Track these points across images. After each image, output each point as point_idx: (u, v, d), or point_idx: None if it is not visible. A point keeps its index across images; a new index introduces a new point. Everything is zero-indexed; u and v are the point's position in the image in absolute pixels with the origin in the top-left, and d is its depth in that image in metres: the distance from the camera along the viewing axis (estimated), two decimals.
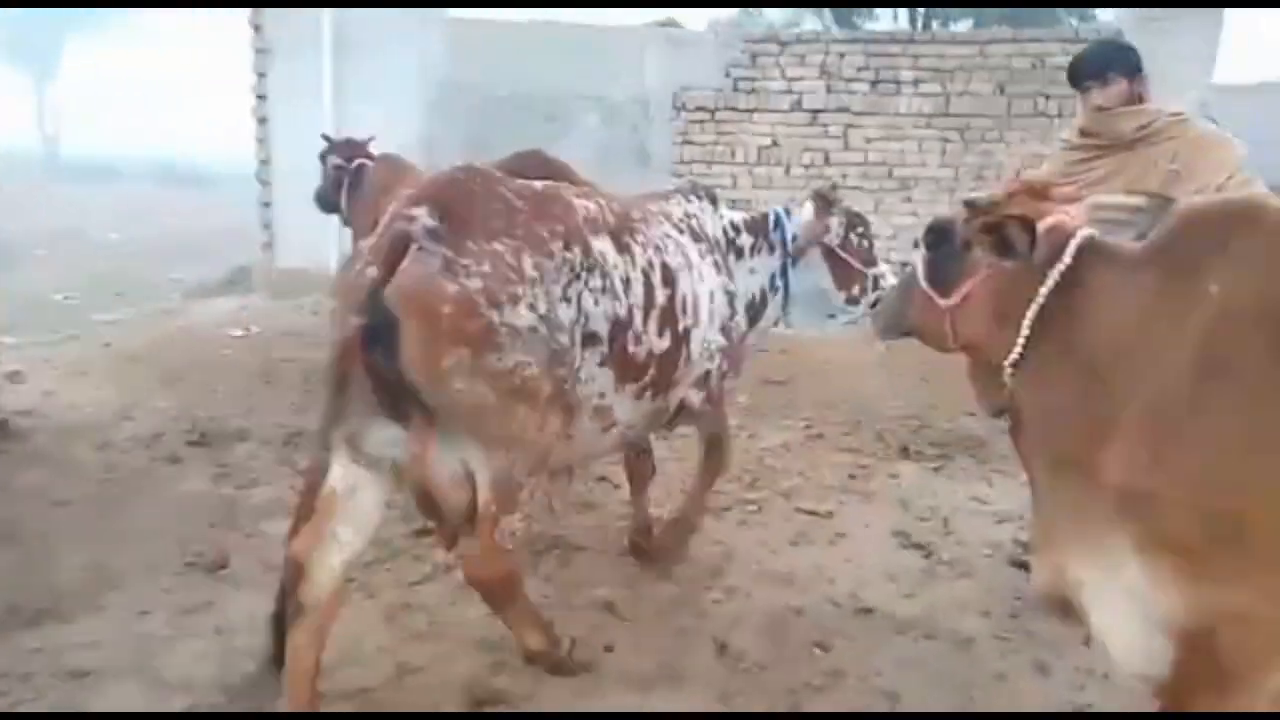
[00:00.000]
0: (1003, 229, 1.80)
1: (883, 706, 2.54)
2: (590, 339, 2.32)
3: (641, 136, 7.50)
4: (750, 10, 12.06)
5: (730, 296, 2.93)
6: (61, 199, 19.83)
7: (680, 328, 2.63)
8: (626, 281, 2.43)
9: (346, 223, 5.70)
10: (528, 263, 2.14)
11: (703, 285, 2.76)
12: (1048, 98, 6.63)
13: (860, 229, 3.25)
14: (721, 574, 3.26)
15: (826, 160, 7.07)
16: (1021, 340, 1.77)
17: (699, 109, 7.44)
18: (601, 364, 2.39)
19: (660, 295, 2.54)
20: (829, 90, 7.12)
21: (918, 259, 2.07)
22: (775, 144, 7.20)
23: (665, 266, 2.59)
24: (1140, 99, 2.88)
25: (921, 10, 12.21)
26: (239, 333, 6.88)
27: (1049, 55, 6.61)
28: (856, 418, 5.19)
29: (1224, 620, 1.50)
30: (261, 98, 7.89)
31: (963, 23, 11.45)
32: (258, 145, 8.00)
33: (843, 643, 2.83)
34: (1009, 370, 1.80)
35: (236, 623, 2.76)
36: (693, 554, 3.37)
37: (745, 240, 3.10)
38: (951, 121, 6.86)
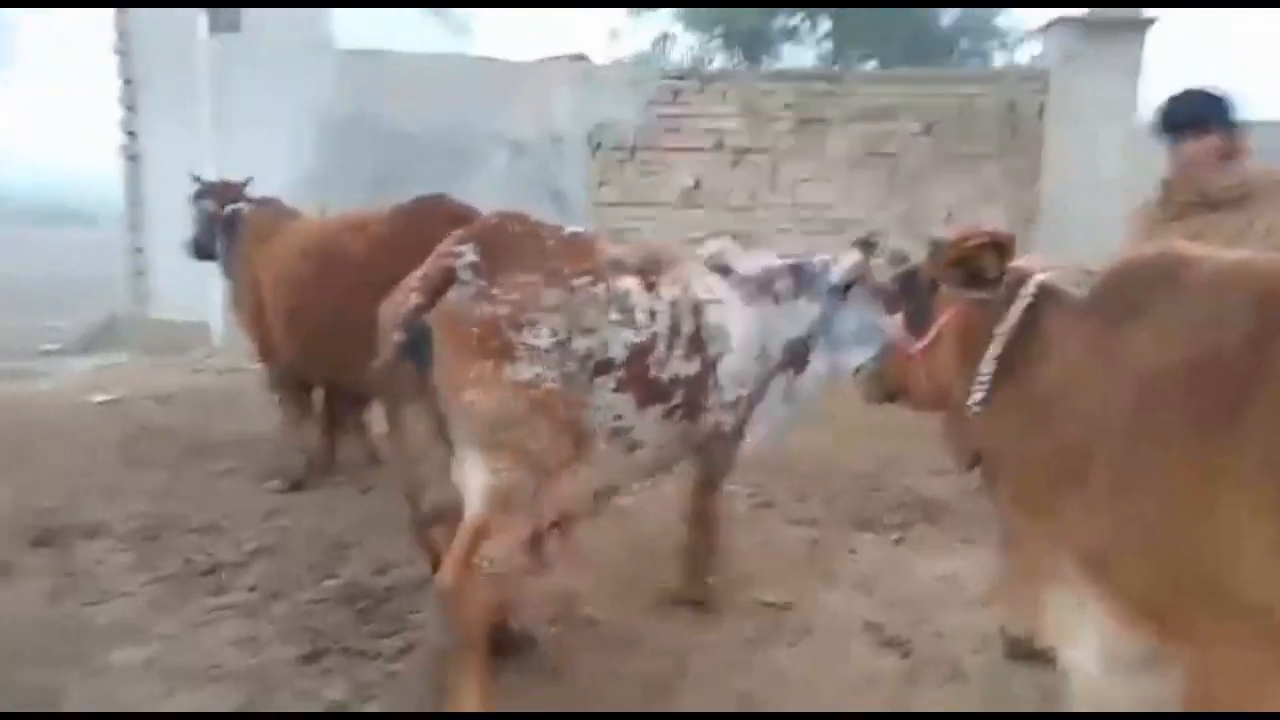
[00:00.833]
0: (976, 256, 1.83)
1: None
2: (606, 365, 2.54)
3: (554, 176, 7.10)
4: (665, 35, 11.89)
5: (760, 331, 3.05)
6: None
7: (709, 354, 2.83)
8: (650, 313, 2.65)
9: (226, 274, 5.08)
10: (551, 295, 2.45)
11: (730, 318, 2.94)
12: (976, 138, 6.53)
13: (907, 265, 3.22)
14: (670, 693, 2.80)
15: (754, 203, 6.81)
16: (984, 379, 1.81)
17: (616, 147, 7.10)
18: (617, 389, 2.57)
19: (687, 326, 2.76)
20: (753, 129, 6.88)
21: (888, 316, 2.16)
22: (698, 185, 6.90)
23: (694, 300, 2.82)
24: (1236, 153, 2.69)
25: (831, 48, 12.30)
26: (101, 398, 6.11)
27: (978, 96, 6.53)
28: (805, 482, 4.83)
29: (1202, 670, 1.52)
30: (131, 134, 7.16)
31: (869, 63, 11.58)
32: (126, 185, 7.26)
33: None
34: (973, 410, 1.83)
35: None
36: (637, 669, 2.91)
37: (783, 285, 3.17)
38: (880, 162, 6.71)
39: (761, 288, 3.10)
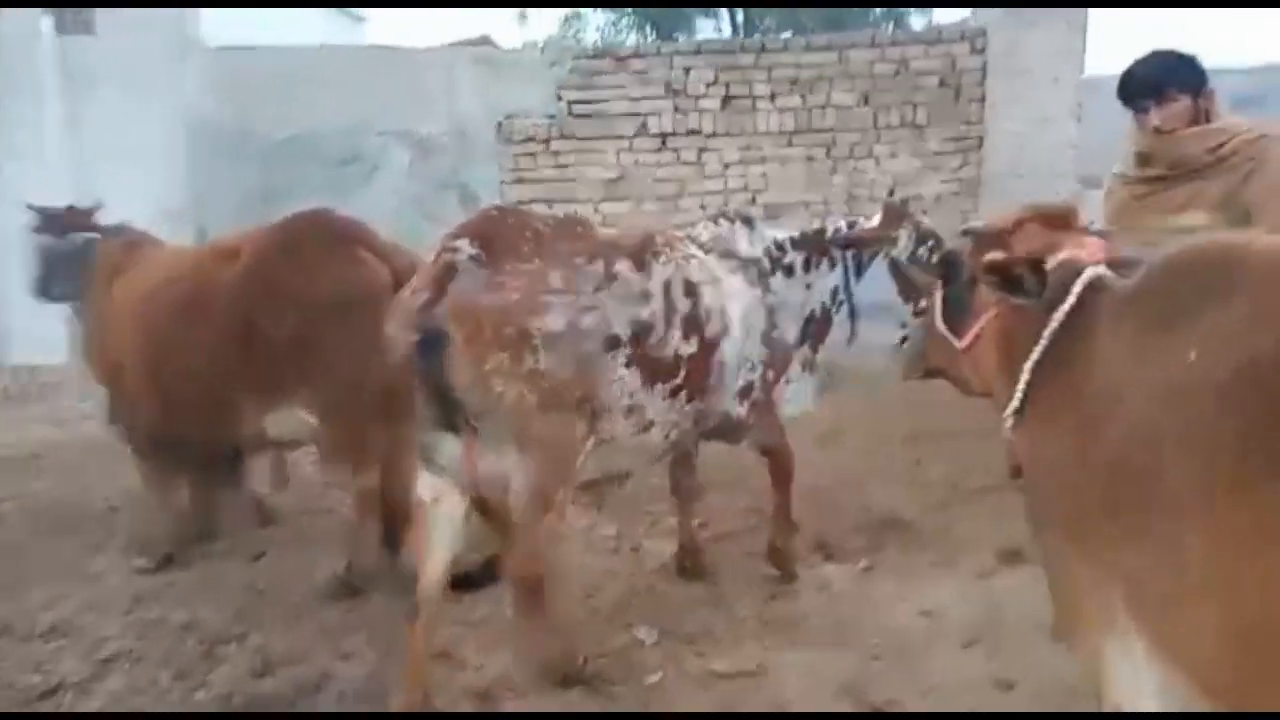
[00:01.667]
0: (1009, 271, 1.70)
1: None
2: (614, 342, 2.66)
3: (462, 175, 6.54)
4: (574, 14, 11.33)
5: (771, 311, 3.20)
6: None
7: (707, 334, 2.94)
8: (646, 294, 2.75)
9: (76, 315, 4.43)
10: (555, 277, 2.55)
11: (730, 299, 3.03)
12: (915, 106, 6.16)
13: (931, 244, 3.25)
14: None
15: (682, 190, 6.34)
16: (1021, 390, 1.70)
17: (529, 139, 6.57)
18: (628, 364, 2.70)
19: (682, 306, 2.84)
20: (677, 110, 6.41)
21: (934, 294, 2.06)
22: (622, 176, 6.40)
23: (688, 281, 2.89)
24: (1207, 117, 2.55)
25: (741, 19, 11.85)
26: None
27: (912, 59, 6.16)
28: (758, 504, 4.39)
29: None
30: None
31: (784, 34, 11.19)
32: None
33: None
34: (1009, 422, 1.73)
35: None
36: None
37: (794, 257, 3.29)
38: (815, 138, 6.30)
39: (771, 266, 3.21)
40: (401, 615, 2.65)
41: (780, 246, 3.29)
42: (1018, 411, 1.71)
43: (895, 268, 3.32)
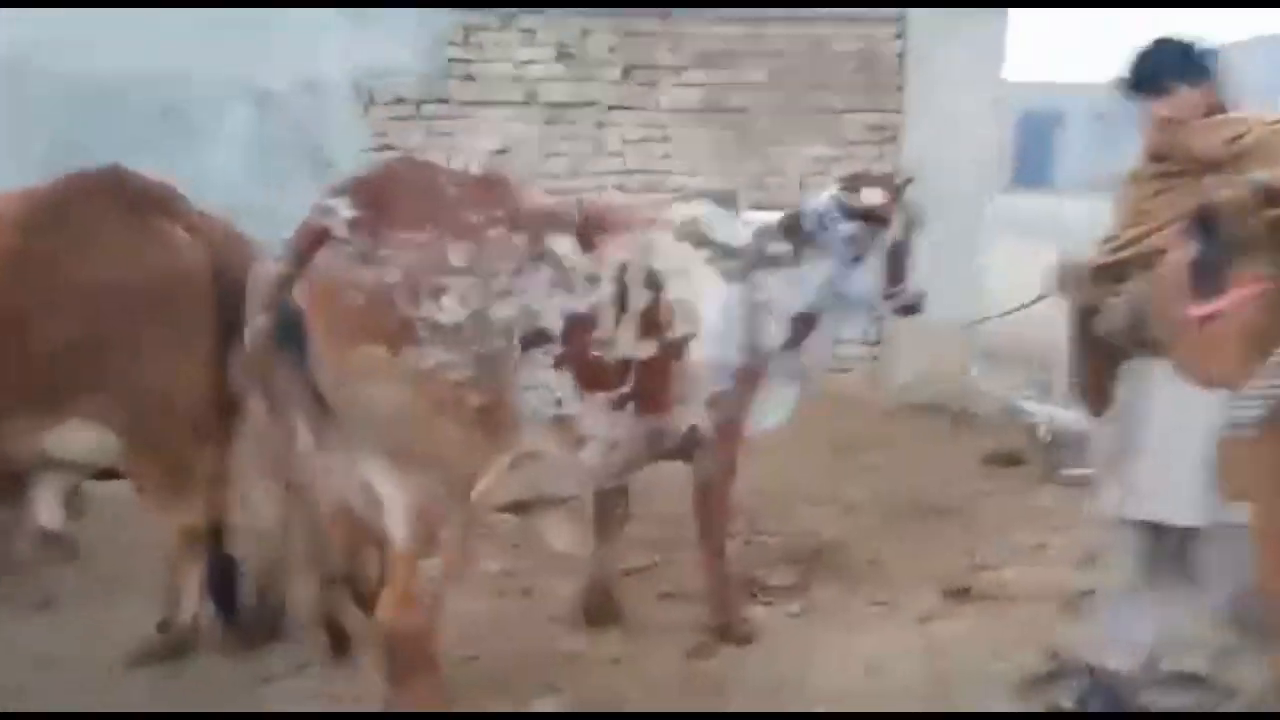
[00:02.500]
0: None
1: None
2: (538, 337, 2.28)
3: (315, 136, 5.76)
4: None
5: (751, 309, 2.85)
6: None
7: (670, 335, 2.61)
8: (592, 279, 2.40)
9: None
10: (457, 251, 2.14)
11: (703, 294, 2.72)
12: (831, 89, 5.83)
13: (916, 232, 3.11)
14: None
15: (576, 169, 5.79)
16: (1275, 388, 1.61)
17: (397, 100, 5.86)
18: (555, 365, 2.33)
19: (639, 298, 2.51)
20: (572, 79, 5.84)
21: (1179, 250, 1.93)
22: (507, 149, 5.79)
23: (648, 270, 2.56)
24: (1220, 108, 2.39)
25: None
26: None
27: (831, 39, 5.82)
28: (668, 534, 3.91)
29: None
30: None
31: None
32: None
33: None
34: (1248, 426, 1.67)
35: None
36: None
37: (780, 248, 2.91)
38: (724, 119, 5.88)
39: (754, 260, 2.84)
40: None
41: (765, 234, 2.92)
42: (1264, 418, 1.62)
43: (890, 252, 3.02)
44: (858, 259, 2.97)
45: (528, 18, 5.87)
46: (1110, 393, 2.40)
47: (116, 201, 2.64)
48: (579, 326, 2.35)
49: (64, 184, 2.70)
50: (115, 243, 2.59)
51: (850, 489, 4.51)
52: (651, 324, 2.54)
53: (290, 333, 2.09)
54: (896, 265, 3.05)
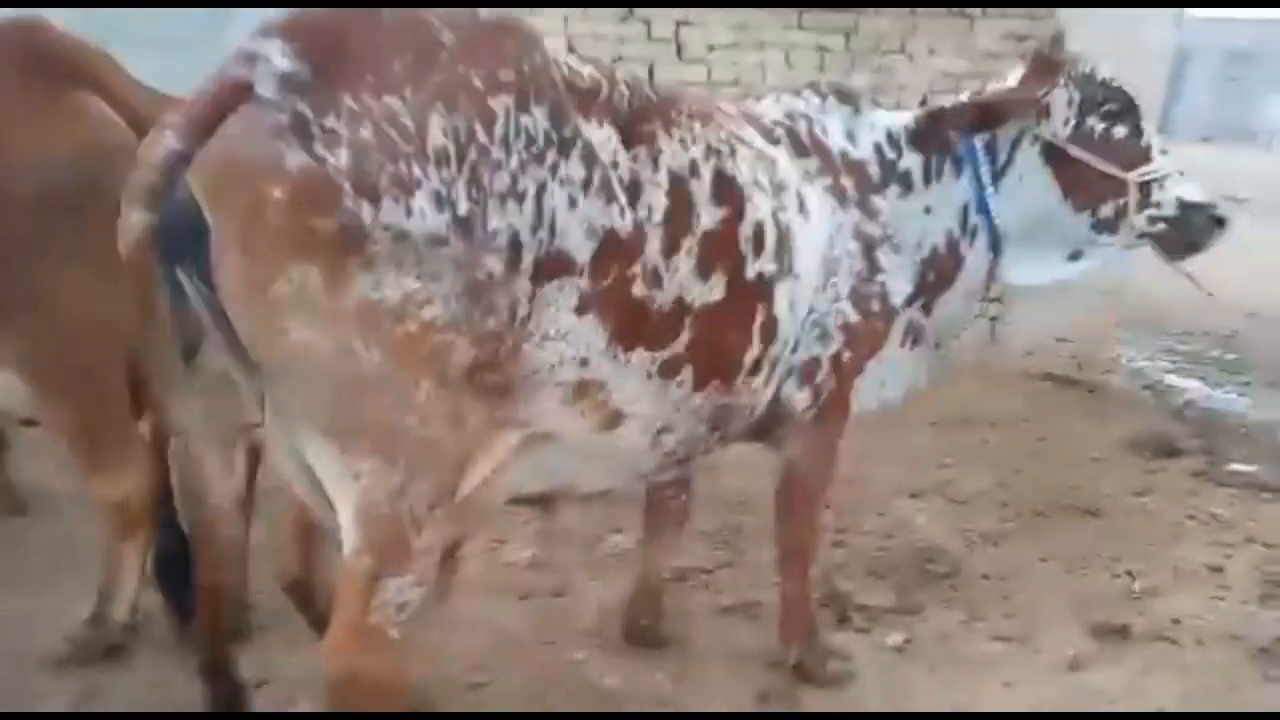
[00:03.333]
0: None
1: None
2: (558, 264, 1.58)
3: None
4: None
5: (869, 246, 2.17)
6: None
7: (749, 273, 1.90)
8: (634, 186, 1.70)
9: None
10: (439, 128, 1.43)
11: (802, 219, 2.03)
12: None
13: (1110, 106, 2.26)
14: None
15: (651, 75, 5.02)
16: None
17: None
18: (579, 309, 1.64)
19: (707, 216, 1.82)
20: None
21: None
22: (572, 49, 5.05)
23: (722, 177, 1.86)
24: None
25: None
26: None
27: None
28: (735, 521, 3.23)
29: None
30: None
31: None
32: None
33: None
34: None
35: None
36: None
37: (911, 162, 2.25)
38: (832, 22, 5.01)
39: (880, 175, 2.21)
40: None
41: (894, 142, 2.26)
42: None
43: (1057, 155, 2.26)
44: (1002, 173, 2.26)
45: None
46: None
47: (14, 65, 2.01)
48: (617, 253, 1.67)
49: None
50: (11, 120, 1.97)
51: (959, 477, 3.74)
52: (722, 255, 1.86)
53: (182, 241, 1.44)
54: (1069, 171, 2.26)
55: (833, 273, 2.12)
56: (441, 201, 1.43)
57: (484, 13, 1.59)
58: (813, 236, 2.06)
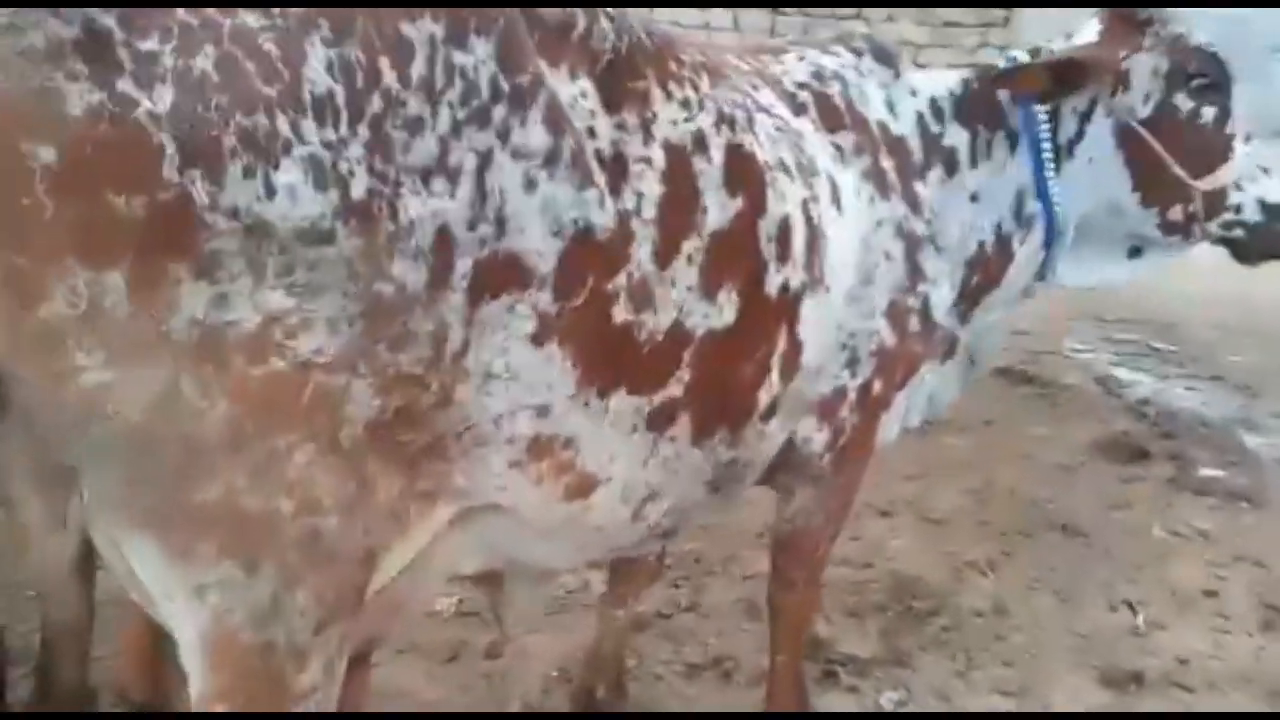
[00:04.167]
0: None
1: None
2: (507, 274, 1.16)
3: None
4: None
5: (911, 247, 1.75)
6: None
7: (771, 286, 1.48)
8: (618, 164, 1.27)
9: None
10: (320, 62, 1.00)
11: (835, 213, 1.62)
12: None
13: (1202, 80, 1.80)
14: None
15: None
16: None
17: None
18: (538, 338, 1.21)
19: (717, 209, 1.39)
20: None
21: None
22: None
23: (739, 155, 1.43)
24: None
25: None
26: None
27: None
28: (703, 579, 2.85)
29: None
30: None
31: None
32: None
33: None
34: None
35: None
36: None
37: (957, 137, 1.83)
38: None
39: (924, 154, 1.80)
40: None
41: (939, 112, 1.85)
42: None
43: (1132, 138, 1.83)
44: (1070, 149, 1.86)
45: None
46: None
47: None
48: (592, 259, 1.25)
49: None
50: None
51: (929, 491, 3.45)
52: (737, 263, 1.43)
53: None
54: (1144, 158, 1.84)
55: (869, 281, 1.70)
56: (324, 175, 0.99)
57: None
58: (848, 236, 1.65)
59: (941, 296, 1.83)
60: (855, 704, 2.27)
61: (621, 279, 1.28)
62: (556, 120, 1.18)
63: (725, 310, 1.42)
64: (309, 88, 0.98)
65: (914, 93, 1.85)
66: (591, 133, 1.25)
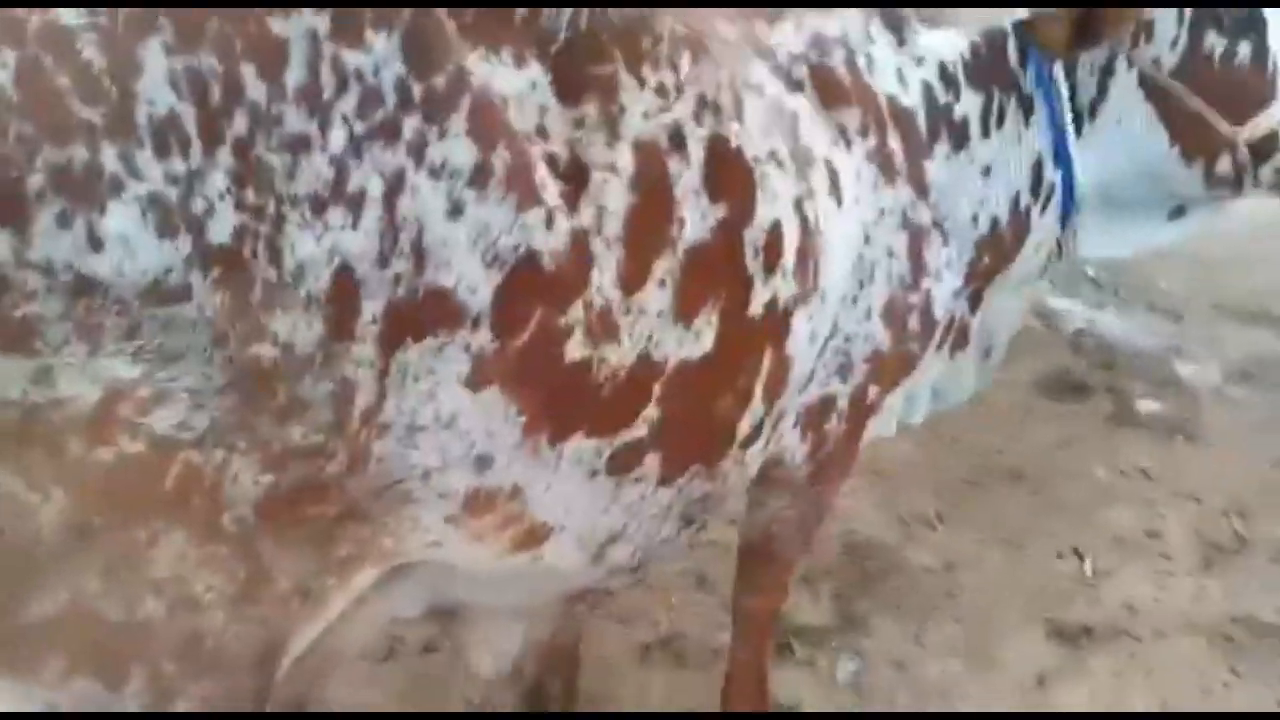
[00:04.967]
0: None
1: None
2: (432, 314, 0.99)
3: None
4: None
5: (915, 238, 1.57)
6: None
7: (756, 305, 1.29)
8: (575, 171, 1.08)
9: None
10: (160, 73, 0.81)
11: (833, 205, 1.41)
12: None
13: (1231, 17, 1.66)
14: None
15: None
16: None
17: None
18: (475, 381, 1.05)
19: (696, 220, 1.20)
20: None
21: None
22: None
23: (723, 151, 1.23)
24: None
25: None
26: None
27: None
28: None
29: None
30: None
31: None
32: None
33: None
34: None
35: None
36: None
37: (969, 105, 1.61)
38: None
39: (932, 127, 1.58)
40: None
41: (950, 80, 1.60)
42: None
43: (1160, 93, 1.68)
44: (1091, 113, 1.71)
45: None
46: None
47: None
48: (540, 290, 1.08)
49: None
50: None
51: (878, 443, 3.43)
52: (717, 282, 1.25)
53: None
54: (1177, 110, 1.70)
55: (868, 279, 1.53)
56: (169, 218, 0.82)
57: None
58: (846, 231, 1.46)
59: (946, 290, 1.66)
60: (811, 678, 2.26)
61: (577, 310, 1.10)
62: (487, 127, 0.99)
63: (703, 336, 1.24)
64: (145, 109, 0.80)
65: (921, 60, 1.62)
66: (542, 132, 1.06)
